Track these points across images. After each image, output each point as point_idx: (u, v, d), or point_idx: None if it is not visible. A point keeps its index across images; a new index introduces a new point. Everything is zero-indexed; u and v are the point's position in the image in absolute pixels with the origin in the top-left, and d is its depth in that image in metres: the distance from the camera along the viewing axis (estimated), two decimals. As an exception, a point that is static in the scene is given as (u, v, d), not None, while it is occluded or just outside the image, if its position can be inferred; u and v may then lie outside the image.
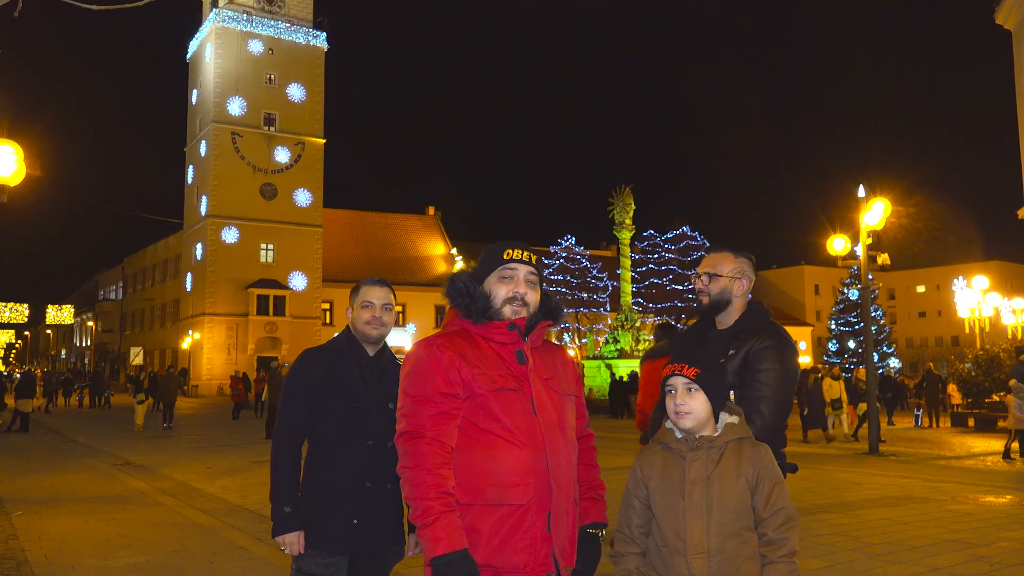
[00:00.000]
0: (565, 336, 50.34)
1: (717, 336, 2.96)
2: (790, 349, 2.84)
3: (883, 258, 16.17)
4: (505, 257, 2.35)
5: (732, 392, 2.83)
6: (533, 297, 2.37)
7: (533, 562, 2.20)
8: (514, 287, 2.34)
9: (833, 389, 17.80)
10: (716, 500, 2.27)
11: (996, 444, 16.59)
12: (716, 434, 2.35)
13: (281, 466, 2.96)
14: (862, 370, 19.00)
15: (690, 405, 2.34)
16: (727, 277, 2.93)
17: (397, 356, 3.18)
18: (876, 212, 15.44)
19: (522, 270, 2.35)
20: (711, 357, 2.68)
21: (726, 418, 2.38)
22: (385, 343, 3.17)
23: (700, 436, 2.34)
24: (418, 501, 2.12)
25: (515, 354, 2.31)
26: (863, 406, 17.53)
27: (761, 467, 2.31)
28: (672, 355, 3.01)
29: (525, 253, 2.37)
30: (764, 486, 2.29)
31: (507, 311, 2.32)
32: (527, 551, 2.19)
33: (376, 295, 3.10)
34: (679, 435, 2.37)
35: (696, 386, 2.35)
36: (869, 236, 15.74)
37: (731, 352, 2.85)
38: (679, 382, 2.37)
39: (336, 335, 3.17)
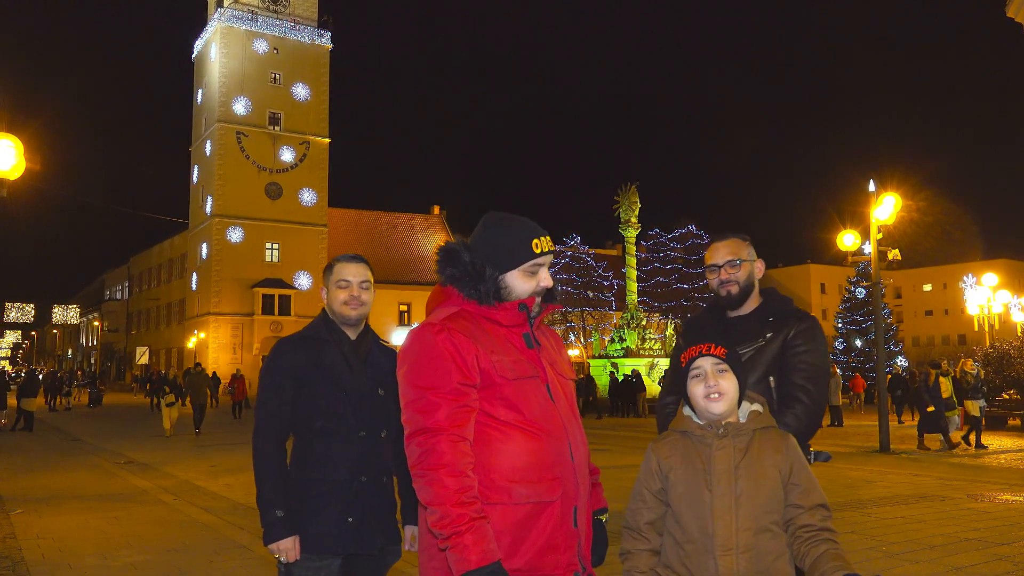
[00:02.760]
0: (571, 335, 50.21)
1: (744, 322, 2.78)
2: (823, 333, 2.76)
3: (893, 253, 15.95)
4: (536, 251, 2.12)
5: (771, 378, 2.68)
6: None
7: (562, 561, 2.02)
8: (539, 280, 2.15)
9: (944, 387, 15.17)
10: (746, 492, 2.10)
11: (1008, 442, 16.43)
12: (741, 422, 2.19)
13: (267, 466, 2.68)
14: (968, 361, 17.30)
15: (723, 386, 2.16)
16: (748, 261, 2.81)
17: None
18: (887, 207, 15.24)
19: (547, 260, 2.16)
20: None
21: (748, 406, 2.22)
22: (367, 324, 2.91)
23: (727, 423, 2.18)
24: (443, 507, 1.89)
25: (522, 337, 2.13)
26: (970, 404, 15.62)
27: (793, 458, 2.16)
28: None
29: (550, 241, 2.18)
30: (798, 477, 2.15)
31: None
32: (556, 551, 2.01)
33: (352, 272, 2.82)
34: (700, 421, 2.20)
35: (726, 366, 2.18)
36: (879, 231, 15.54)
37: (768, 335, 2.71)
38: (707, 363, 2.18)
39: (312, 321, 2.89)
